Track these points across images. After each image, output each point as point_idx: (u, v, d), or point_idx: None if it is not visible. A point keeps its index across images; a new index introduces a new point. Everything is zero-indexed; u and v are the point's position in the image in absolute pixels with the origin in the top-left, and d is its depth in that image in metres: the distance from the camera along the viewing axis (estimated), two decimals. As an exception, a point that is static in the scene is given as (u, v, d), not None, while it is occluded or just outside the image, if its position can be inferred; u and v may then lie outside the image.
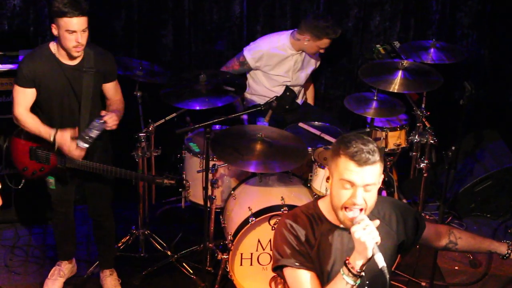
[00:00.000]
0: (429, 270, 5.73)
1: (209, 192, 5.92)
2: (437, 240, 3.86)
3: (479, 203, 7.26)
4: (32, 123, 5.39)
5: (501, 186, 7.21)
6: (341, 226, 3.37)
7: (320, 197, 3.56)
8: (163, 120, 6.16)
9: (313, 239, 3.41)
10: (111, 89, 5.61)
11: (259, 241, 5.85)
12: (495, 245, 3.94)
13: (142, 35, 7.10)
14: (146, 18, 7.06)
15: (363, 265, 3.19)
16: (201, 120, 5.65)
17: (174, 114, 6.17)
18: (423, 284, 6.09)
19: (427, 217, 6.89)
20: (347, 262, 3.21)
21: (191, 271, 6.21)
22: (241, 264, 5.91)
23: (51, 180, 5.64)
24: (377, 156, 3.25)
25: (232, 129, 6.23)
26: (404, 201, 6.95)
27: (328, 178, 3.40)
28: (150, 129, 6.11)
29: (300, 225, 3.42)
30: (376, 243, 3.16)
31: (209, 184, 5.86)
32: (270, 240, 5.83)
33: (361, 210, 3.27)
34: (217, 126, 6.49)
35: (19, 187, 5.68)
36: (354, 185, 3.25)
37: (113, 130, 5.48)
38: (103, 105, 5.62)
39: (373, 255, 3.16)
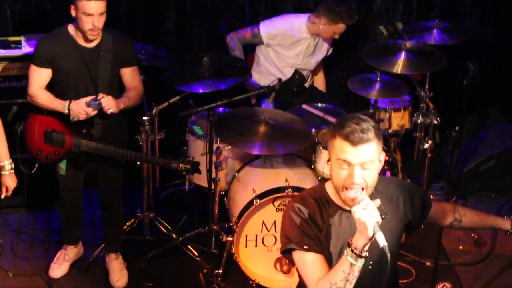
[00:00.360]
0: (433, 250, 5.74)
1: (213, 175, 5.94)
2: (442, 218, 3.87)
3: (483, 183, 7.26)
4: (45, 98, 5.41)
5: (505, 165, 7.21)
6: (348, 208, 3.37)
7: (326, 180, 3.55)
8: (166, 104, 6.16)
9: (321, 222, 3.41)
10: (127, 74, 5.61)
11: (263, 222, 5.86)
12: (499, 221, 3.96)
13: (144, 19, 7.09)
14: (147, 0, 7.04)
15: (365, 245, 3.19)
16: (205, 103, 5.65)
17: (177, 97, 6.17)
18: (428, 264, 6.11)
19: (431, 197, 6.87)
20: (350, 243, 3.22)
21: (196, 254, 6.23)
22: (246, 246, 5.92)
23: (62, 165, 5.64)
24: (371, 134, 3.25)
25: (235, 112, 6.23)
26: (409, 182, 6.95)
27: (328, 160, 3.41)
28: (154, 112, 6.11)
29: (308, 208, 3.42)
30: (377, 222, 3.16)
31: (213, 166, 5.87)
32: (274, 222, 5.85)
33: (362, 189, 3.28)
34: (221, 108, 6.48)
35: (32, 172, 5.69)
36: (351, 165, 3.26)
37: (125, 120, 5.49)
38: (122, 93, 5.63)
39: (374, 235, 3.16)
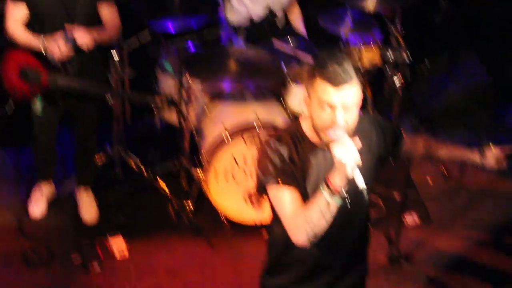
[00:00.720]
0: (402, 182, 5.79)
1: (184, 111, 5.94)
2: (414, 151, 3.88)
3: (454, 118, 7.30)
4: (22, 35, 5.37)
5: (476, 101, 7.26)
6: (324, 146, 3.37)
7: (301, 116, 3.53)
8: (137, 40, 6.13)
9: (297, 158, 3.39)
10: (105, 10, 5.55)
11: (233, 157, 5.87)
12: (469, 154, 3.98)
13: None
14: None
15: (341, 183, 3.18)
16: (175, 39, 5.63)
17: (148, 34, 6.14)
18: (396, 195, 6.16)
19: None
20: (327, 179, 3.23)
21: (167, 188, 6.26)
22: (216, 181, 5.94)
23: (37, 104, 5.61)
24: (353, 75, 3.23)
25: (206, 48, 6.21)
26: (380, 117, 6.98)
27: (306, 100, 3.37)
28: (124, 49, 6.08)
29: (283, 144, 3.39)
30: (356, 162, 3.16)
31: (183, 102, 5.86)
32: (245, 157, 5.87)
33: (343, 129, 3.27)
34: (191, 44, 6.47)
35: (10, 114, 5.68)
36: (333, 107, 3.24)
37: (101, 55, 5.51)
38: None
39: (352, 174, 3.16)
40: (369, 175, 3.45)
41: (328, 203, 3.20)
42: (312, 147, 3.42)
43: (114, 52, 5.97)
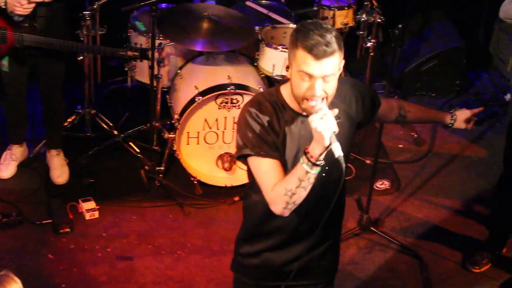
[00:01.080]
0: (373, 148, 5.81)
1: (156, 71, 5.88)
2: (388, 115, 3.88)
3: (425, 82, 7.33)
4: None
5: (447, 65, 7.28)
6: (304, 113, 3.36)
7: (281, 83, 3.49)
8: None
9: (278, 127, 3.36)
10: None
11: (205, 120, 5.85)
12: (441, 115, 4.03)
13: None
14: None
15: (321, 154, 3.16)
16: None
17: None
18: (368, 162, 6.19)
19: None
20: (306, 151, 3.20)
21: (138, 150, 6.21)
22: (187, 143, 5.93)
23: (5, 62, 5.51)
24: (335, 46, 3.16)
25: (178, 7, 6.15)
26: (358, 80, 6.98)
27: (287, 67, 3.34)
28: (95, 7, 5.99)
29: (264, 113, 3.36)
30: (334, 132, 3.15)
31: (155, 63, 5.81)
32: (216, 119, 5.85)
33: (322, 99, 3.25)
34: (164, 4, 6.39)
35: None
36: (313, 77, 3.20)
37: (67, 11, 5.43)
38: None
39: (330, 145, 3.15)
40: (347, 141, 3.47)
41: (307, 173, 3.19)
42: (293, 115, 3.40)
43: (86, 14, 5.88)
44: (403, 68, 7.28)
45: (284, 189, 3.26)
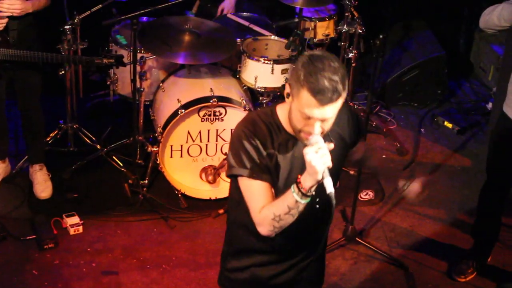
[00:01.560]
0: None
1: (138, 85, 5.88)
2: (355, 154, 3.83)
3: (407, 92, 7.36)
4: None
5: (428, 75, 7.32)
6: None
7: (277, 103, 3.45)
8: (88, 12, 6.02)
9: (271, 149, 3.33)
10: None
11: (189, 132, 5.84)
12: (396, 177, 3.94)
13: None
14: None
15: (311, 186, 3.15)
16: (128, 12, 5.54)
17: (100, 6, 6.02)
18: (352, 172, 6.18)
19: (356, 107, 6.95)
20: (298, 181, 3.19)
21: (121, 164, 6.20)
22: (171, 156, 5.91)
23: None
24: (341, 90, 3.11)
25: (159, 21, 6.13)
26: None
27: (287, 94, 3.29)
28: (76, 21, 5.97)
29: (259, 134, 3.33)
30: (328, 167, 3.13)
31: (137, 76, 5.80)
32: (200, 132, 5.84)
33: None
34: (144, 17, 6.38)
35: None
36: (313, 119, 3.19)
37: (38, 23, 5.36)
38: None
39: (322, 179, 3.15)
40: (338, 163, 3.45)
41: (296, 202, 3.19)
42: (288, 137, 3.37)
43: (67, 28, 5.86)
44: (385, 78, 7.31)
45: (273, 213, 3.26)
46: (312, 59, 3.13)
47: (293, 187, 3.18)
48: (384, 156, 6.67)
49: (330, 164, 3.10)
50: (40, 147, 6.01)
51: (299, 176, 3.17)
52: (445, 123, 7.13)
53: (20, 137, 6.32)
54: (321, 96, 3.09)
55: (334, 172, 3.25)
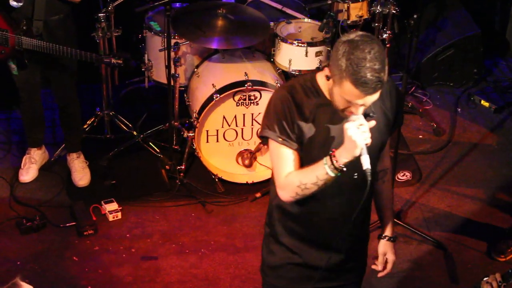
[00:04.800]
0: (393, 140, 5.77)
1: (172, 71, 5.89)
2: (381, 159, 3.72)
3: (442, 72, 7.30)
4: None
5: (464, 54, 7.24)
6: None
7: (318, 70, 3.44)
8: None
9: (308, 112, 3.33)
10: None
11: (224, 117, 5.85)
12: (385, 222, 3.94)
13: None
14: None
15: (347, 161, 3.16)
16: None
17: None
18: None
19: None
20: (332, 154, 3.19)
21: (158, 150, 6.22)
22: (207, 141, 5.93)
23: (13, 65, 5.52)
24: (383, 79, 3.08)
25: (192, 6, 6.15)
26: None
27: (328, 77, 3.27)
28: (110, 8, 5.98)
29: (296, 98, 3.32)
30: (366, 144, 3.12)
31: (171, 62, 5.81)
32: (235, 116, 5.85)
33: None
34: (178, 3, 6.38)
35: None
36: (355, 104, 3.17)
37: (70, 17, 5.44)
38: None
39: (360, 155, 3.15)
40: (379, 137, 3.41)
41: (326, 174, 3.20)
42: (326, 102, 3.34)
43: (101, 16, 5.88)
44: (420, 58, 7.25)
45: (299, 181, 3.28)
46: (352, 47, 3.08)
47: (326, 159, 3.19)
48: (420, 136, 6.64)
49: (369, 141, 3.11)
50: (77, 136, 6.05)
51: (334, 150, 3.18)
52: (482, 102, 7.07)
53: (57, 125, 6.38)
54: (365, 87, 3.06)
55: (378, 147, 3.31)
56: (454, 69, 7.28)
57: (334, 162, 3.17)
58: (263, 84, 5.77)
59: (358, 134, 3.10)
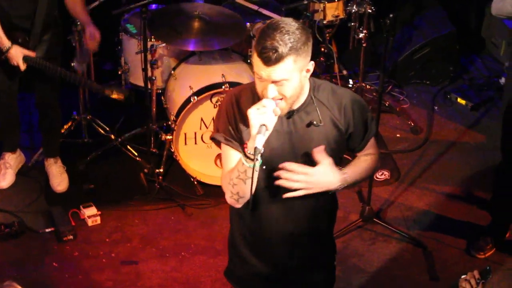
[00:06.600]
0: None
1: (149, 74, 5.88)
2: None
3: (419, 71, 7.33)
4: None
5: (439, 52, 7.27)
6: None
7: None
8: (98, 2, 6.03)
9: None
10: None
11: (202, 119, 5.84)
12: None
13: None
14: None
15: (251, 146, 3.16)
16: (137, 0, 5.54)
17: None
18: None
19: (368, 87, 6.93)
20: (244, 145, 3.25)
21: (136, 154, 6.21)
22: (185, 144, 5.92)
23: None
24: (285, 52, 3.13)
25: (168, 8, 6.14)
26: (345, 72, 6.99)
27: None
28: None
29: (240, 102, 3.38)
30: (264, 125, 3.14)
31: (148, 65, 5.80)
32: (213, 118, 5.83)
33: (279, 99, 3.25)
34: (154, 5, 6.37)
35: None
36: (264, 80, 3.22)
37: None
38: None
39: (257, 134, 3.16)
40: (328, 146, 3.39)
41: (243, 165, 3.22)
42: None
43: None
44: (396, 57, 7.28)
45: (229, 178, 3.34)
46: (269, 25, 3.20)
47: (241, 152, 3.27)
48: (398, 135, 6.66)
49: (268, 123, 3.16)
50: (56, 142, 6.02)
51: (246, 142, 3.25)
52: (458, 99, 7.10)
53: (35, 130, 6.34)
54: (264, 55, 3.14)
55: (328, 154, 3.33)
56: (430, 67, 7.31)
57: (244, 149, 3.22)
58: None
59: (256, 114, 3.15)
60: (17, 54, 5.29)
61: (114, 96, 5.45)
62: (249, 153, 3.18)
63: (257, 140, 3.14)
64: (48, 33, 5.43)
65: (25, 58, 5.32)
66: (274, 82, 3.19)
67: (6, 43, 5.28)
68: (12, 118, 5.89)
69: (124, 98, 5.47)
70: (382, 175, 6.16)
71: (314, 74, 3.46)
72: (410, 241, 5.55)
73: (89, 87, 5.74)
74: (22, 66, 5.31)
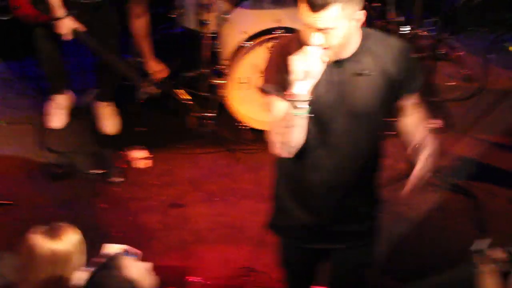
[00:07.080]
0: (424, 87, 5.72)
1: (203, 17, 5.86)
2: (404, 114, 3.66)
3: (476, 17, 7.19)
4: None
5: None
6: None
7: None
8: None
9: None
10: None
11: (255, 65, 5.81)
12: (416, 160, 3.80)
13: None
14: None
15: (295, 94, 3.17)
16: None
17: None
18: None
19: (424, 33, 6.82)
20: (287, 92, 3.22)
21: (188, 97, 6.21)
22: (237, 89, 5.91)
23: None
24: (334, 1, 3.08)
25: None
26: (400, 18, 6.87)
27: None
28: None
29: (291, 51, 3.27)
30: (307, 72, 3.13)
31: (202, 8, 5.79)
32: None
33: (325, 48, 3.22)
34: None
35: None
36: (311, 28, 3.18)
37: None
38: None
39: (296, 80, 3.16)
40: (375, 97, 3.38)
41: (291, 114, 3.21)
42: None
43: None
44: (454, 2, 7.15)
45: (277, 127, 3.31)
46: None
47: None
48: (453, 83, 6.56)
49: (311, 71, 3.14)
50: (112, 86, 6.08)
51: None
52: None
53: (87, 71, 6.41)
54: (311, 2, 3.09)
55: (373, 108, 3.33)
56: (489, 13, 7.16)
57: (290, 97, 3.20)
58: (295, 31, 5.71)
59: (297, 59, 3.14)
60: (67, 26, 5.36)
61: (149, 91, 5.50)
62: (295, 100, 3.18)
63: (299, 86, 3.14)
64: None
65: (75, 32, 5.37)
66: (319, 30, 3.15)
67: (60, 13, 5.31)
68: (56, 64, 5.96)
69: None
70: (435, 123, 6.08)
71: (368, 19, 3.43)
72: (459, 191, 5.50)
73: (127, 74, 5.77)
74: (68, 37, 5.38)
